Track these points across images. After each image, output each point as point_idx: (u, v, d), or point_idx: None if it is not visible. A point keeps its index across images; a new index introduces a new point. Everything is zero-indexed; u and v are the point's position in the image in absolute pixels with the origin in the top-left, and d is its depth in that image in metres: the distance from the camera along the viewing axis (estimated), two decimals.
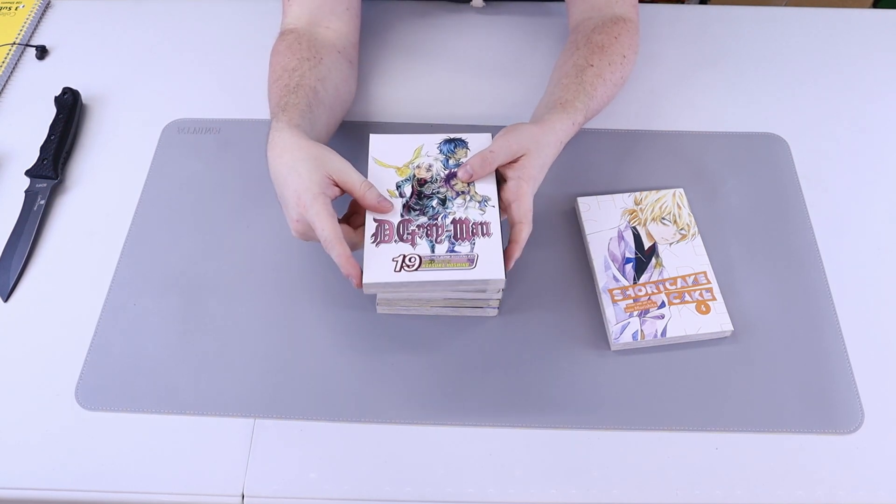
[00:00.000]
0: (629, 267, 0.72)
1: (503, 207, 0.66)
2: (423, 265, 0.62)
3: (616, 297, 0.70)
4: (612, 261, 0.72)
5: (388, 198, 0.65)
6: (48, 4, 0.98)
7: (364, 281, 0.61)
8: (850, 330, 0.70)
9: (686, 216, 0.75)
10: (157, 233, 0.76)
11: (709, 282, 0.71)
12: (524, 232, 0.64)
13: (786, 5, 1.00)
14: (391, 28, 0.94)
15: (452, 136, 0.70)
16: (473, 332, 0.69)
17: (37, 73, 0.90)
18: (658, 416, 0.65)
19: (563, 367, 0.67)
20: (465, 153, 0.68)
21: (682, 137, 0.83)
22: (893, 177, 0.81)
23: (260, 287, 0.72)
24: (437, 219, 0.64)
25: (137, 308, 0.71)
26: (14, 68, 0.91)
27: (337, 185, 0.63)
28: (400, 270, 0.61)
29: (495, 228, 0.64)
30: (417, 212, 0.65)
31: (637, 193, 0.77)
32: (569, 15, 0.85)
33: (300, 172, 0.61)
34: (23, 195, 0.78)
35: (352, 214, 0.67)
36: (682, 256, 0.72)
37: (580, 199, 0.77)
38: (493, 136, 0.68)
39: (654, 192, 0.77)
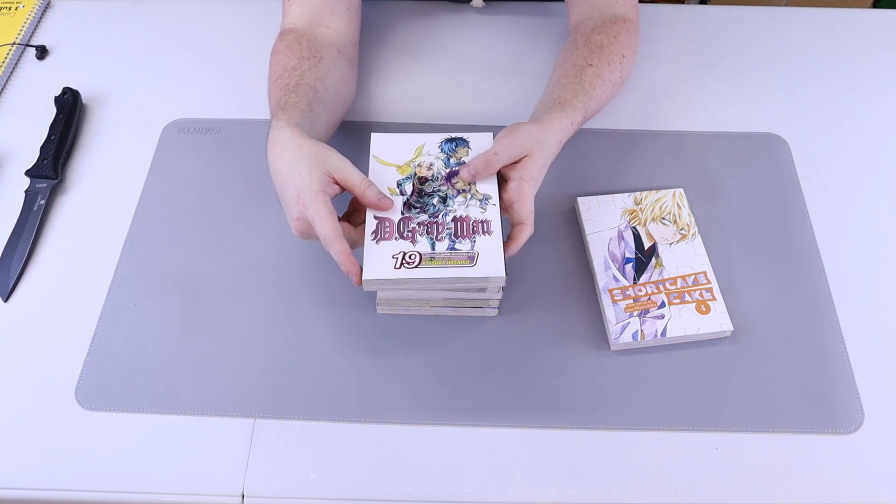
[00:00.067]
0: (629, 267, 0.72)
1: (504, 207, 0.66)
2: (423, 262, 0.62)
3: (616, 297, 0.70)
4: (612, 261, 0.72)
5: (389, 195, 0.65)
6: (48, 4, 0.98)
7: (364, 277, 0.61)
8: (850, 330, 0.70)
9: (686, 216, 0.75)
10: (157, 233, 0.76)
11: (709, 282, 0.71)
12: (525, 233, 0.64)
13: (786, 5, 1.01)
14: (391, 28, 0.94)
15: (453, 135, 0.70)
16: (473, 332, 0.69)
17: (37, 73, 0.90)
18: (658, 416, 0.65)
19: (563, 367, 0.67)
20: (467, 152, 0.68)
21: (682, 137, 0.83)
22: (893, 177, 0.81)
23: (260, 287, 0.72)
24: (437, 216, 0.64)
25: (137, 308, 0.71)
26: (14, 68, 0.91)
27: (337, 183, 0.63)
28: (400, 267, 0.61)
29: (496, 227, 0.64)
30: (418, 209, 0.65)
31: (637, 193, 0.77)
32: (568, 15, 0.85)
33: (300, 170, 0.61)
34: (23, 195, 0.78)
35: (352, 213, 0.67)
36: (682, 256, 0.72)
37: (580, 199, 0.77)
38: (493, 136, 0.68)
39: (654, 192, 0.77)
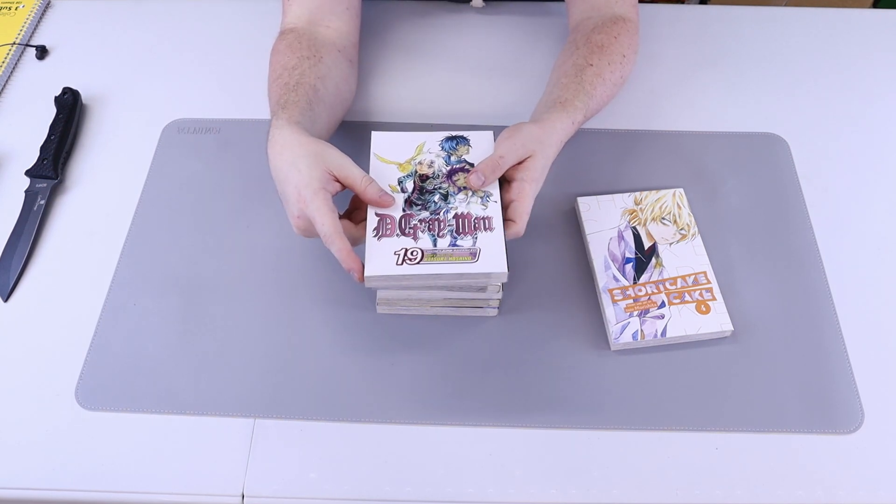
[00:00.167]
0: (629, 267, 0.72)
1: (503, 206, 0.66)
2: (425, 259, 0.62)
3: (616, 297, 0.70)
4: (612, 261, 0.72)
5: (390, 192, 0.65)
6: (48, 4, 0.98)
7: (366, 274, 0.61)
8: (850, 330, 0.70)
9: (686, 216, 0.75)
10: (157, 233, 0.76)
11: (709, 282, 0.71)
12: (511, 229, 0.64)
13: (786, 5, 1.01)
14: (391, 28, 0.94)
15: (454, 133, 0.70)
16: (473, 332, 0.69)
17: (37, 73, 0.90)
18: (658, 416, 0.65)
19: (563, 367, 0.67)
20: (467, 150, 0.68)
21: (682, 137, 0.83)
22: (893, 177, 0.81)
23: (260, 287, 0.72)
24: (439, 213, 0.64)
25: (137, 308, 0.71)
26: (14, 68, 0.91)
27: (338, 181, 0.63)
28: (402, 263, 0.61)
29: (497, 223, 0.64)
30: (419, 207, 0.65)
31: (637, 193, 0.77)
32: (568, 15, 0.85)
33: (300, 168, 0.62)
34: (23, 195, 0.78)
35: (353, 210, 0.67)
36: (682, 256, 0.72)
37: (580, 199, 0.77)
38: (494, 135, 0.68)
39: (654, 192, 0.77)
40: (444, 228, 0.63)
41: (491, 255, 0.62)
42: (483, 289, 0.66)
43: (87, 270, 0.74)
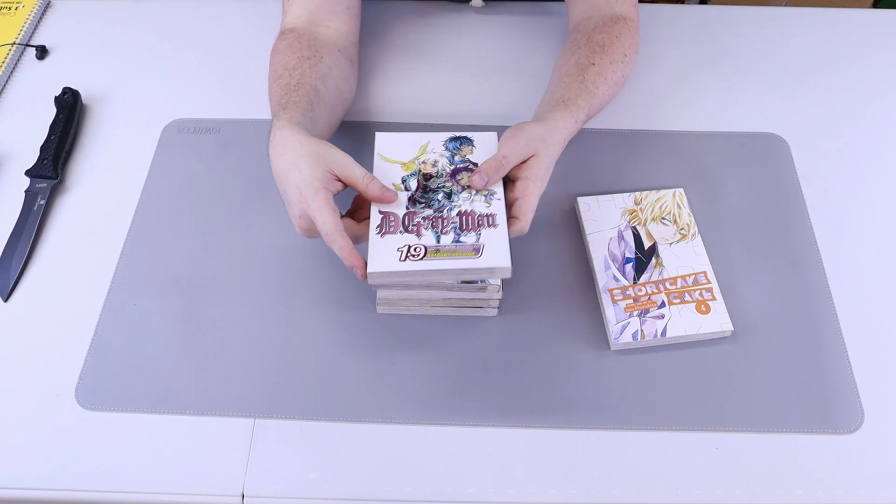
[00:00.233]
0: (629, 267, 0.72)
1: (507, 204, 0.65)
2: (428, 255, 0.61)
3: (616, 297, 0.70)
4: (612, 261, 0.72)
5: (393, 189, 0.65)
6: (48, 4, 0.98)
7: (369, 270, 0.61)
8: (850, 330, 0.70)
9: (686, 216, 0.75)
10: (157, 233, 0.76)
11: (709, 282, 0.71)
12: (516, 226, 0.64)
13: (786, 5, 1.01)
14: (391, 28, 0.94)
15: (458, 134, 0.70)
16: (473, 332, 0.69)
17: (37, 73, 0.90)
18: (658, 416, 0.65)
19: (563, 367, 0.67)
20: (471, 150, 0.68)
21: (682, 137, 0.83)
22: (893, 177, 0.81)
23: (260, 287, 0.72)
24: (442, 211, 0.64)
25: (137, 308, 0.71)
26: (14, 68, 0.91)
27: (339, 180, 0.63)
28: (405, 260, 0.61)
29: (501, 220, 0.63)
30: (423, 205, 0.65)
31: (637, 193, 0.77)
32: (569, 14, 0.85)
33: (301, 168, 0.62)
34: (23, 195, 0.78)
35: (356, 210, 0.67)
36: (682, 256, 0.72)
37: (580, 199, 0.77)
38: (498, 136, 0.68)
39: (654, 192, 0.77)
40: (447, 226, 0.63)
41: (494, 250, 0.62)
42: (483, 289, 0.66)
43: (87, 270, 0.74)
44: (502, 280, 0.67)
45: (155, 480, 0.62)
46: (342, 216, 0.62)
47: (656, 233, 0.74)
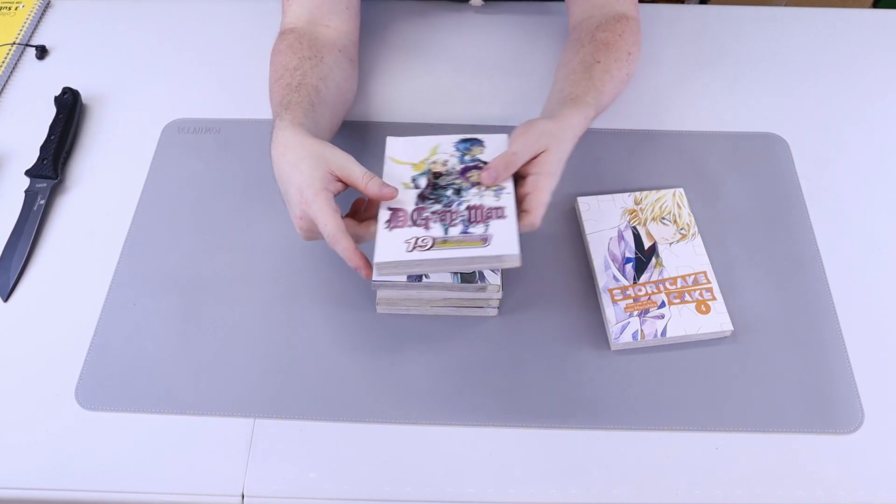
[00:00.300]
0: (629, 267, 0.72)
1: (518, 200, 0.65)
2: (435, 245, 0.61)
3: (616, 297, 0.70)
4: (612, 260, 0.72)
5: (402, 188, 0.64)
6: (48, 4, 0.98)
7: (376, 261, 0.60)
8: (850, 330, 0.70)
9: (686, 216, 0.75)
10: (157, 233, 0.76)
11: (709, 282, 0.71)
12: (526, 220, 0.63)
13: (786, 5, 1.00)
14: (390, 27, 0.94)
15: (468, 136, 0.69)
16: (473, 332, 0.69)
17: (37, 73, 0.90)
18: (658, 416, 0.65)
19: (563, 367, 0.67)
20: (481, 151, 0.68)
21: (683, 137, 0.83)
22: (893, 177, 0.81)
23: (260, 287, 0.72)
24: (451, 206, 0.64)
25: (137, 308, 0.71)
26: (14, 68, 0.91)
27: (340, 180, 0.63)
28: (413, 250, 0.61)
29: (510, 211, 0.63)
30: (432, 200, 0.64)
31: (637, 193, 0.77)
32: (569, 13, 0.85)
33: (302, 169, 0.62)
34: (23, 195, 0.78)
35: (356, 212, 0.67)
36: (682, 256, 0.72)
37: (580, 199, 0.77)
38: (507, 138, 0.68)
39: (654, 191, 0.77)
40: (455, 218, 0.63)
41: (503, 239, 0.61)
42: (483, 289, 0.66)
43: (87, 270, 0.74)
44: (502, 280, 0.67)
45: (155, 480, 0.62)
46: (343, 217, 0.62)
47: (656, 233, 0.74)
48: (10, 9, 0.96)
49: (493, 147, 0.68)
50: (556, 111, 0.70)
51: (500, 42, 0.92)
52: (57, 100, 0.85)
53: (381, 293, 0.68)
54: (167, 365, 0.68)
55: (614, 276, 0.71)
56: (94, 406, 0.66)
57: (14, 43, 0.92)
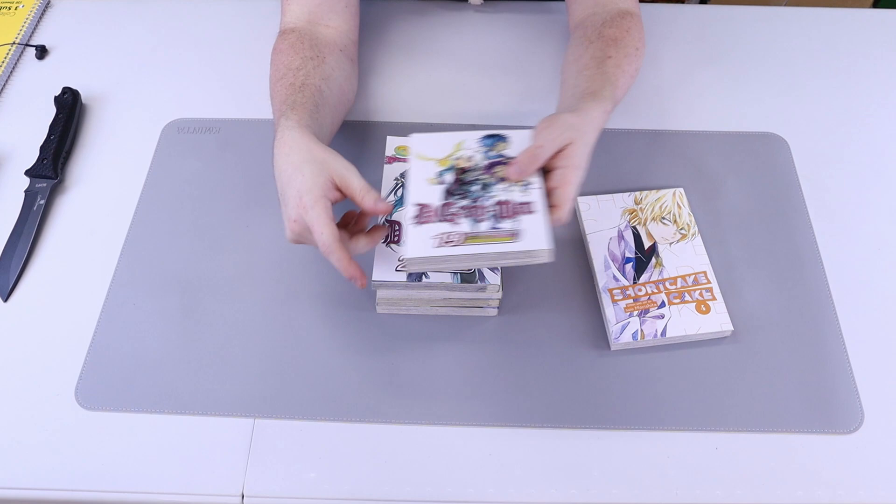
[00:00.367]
0: (629, 267, 0.72)
1: (546, 194, 0.64)
2: (465, 241, 0.61)
3: (616, 297, 0.70)
4: (612, 260, 0.72)
5: (427, 184, 0.64)
6: (48, 4, 0.98)
7: (406, 256, 0.60)
8: (850, 330, 0.70)
9: (686, 216, 0.75)
10: (157, 233, 0.76)
11: (709, 281, 0.71)
12: (556, 214, 0.63)
13: (786, 5, 1.00)
14: (390, 27, 0.94)
15: (492, 131, 0.69)
16: (473, 332, 0.69)
17: (37, 72, 0.90)
18: (658, 416, 0.65)
19: (563, 367, 0.67)
20: (506, 147, 0.68)
21: (683, 137, 0.83)
22: (893, 177, 0.81)
23: (260, 287, 0.72)
24: (478, 201, 0.64)
25: (137, 308, 0.71)
26: (14, 68, 0.91)
27: (339, 190, 0.63)
28: (442, 246, 0.61)
29: (539, 206, 0.63)
30: (459, 196, 0.64)
31: (637, 193, 0.77)
32: (570, 11, 0.85)
33: (304, 173, 0.61)
34: (23, 195, 0.78)
35: (345, 224, 0.67)
36: (682, 256, 0.72)
37: (580, 199, 0.77)
38: (531, 133, 0.68)
39: (654, 191, 0.77)
40: (484, 214, 0.63)
41: (533, 233, 0.61)
42: (483, 289, 0.66)
43: (87, 270, 0.74)
44: (502, 280, 0.67)
45: (155, 480, 0.62)
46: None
47: (656, 232, 0.74)
48: (10, 9, 0.96)
49: (517, 143, 0.68)
50: (576, 105, 0.70)
51: (500, 41, 0.92)
52: (57, 100, 0.85)
53: (380, 293, 0.68)
54: (167, 365, 0.68)
55: (614, 276, 0.71)
56: (94, 406, 0.66)
57: (14, 43, 0.92)
